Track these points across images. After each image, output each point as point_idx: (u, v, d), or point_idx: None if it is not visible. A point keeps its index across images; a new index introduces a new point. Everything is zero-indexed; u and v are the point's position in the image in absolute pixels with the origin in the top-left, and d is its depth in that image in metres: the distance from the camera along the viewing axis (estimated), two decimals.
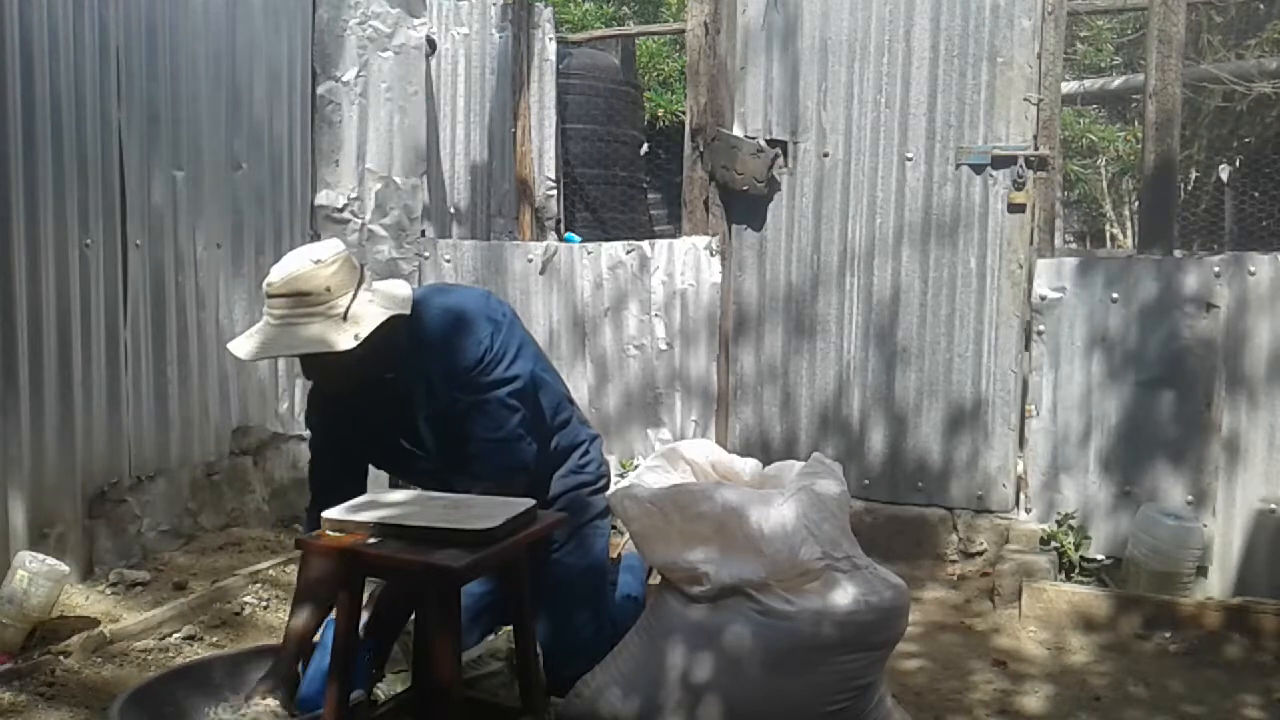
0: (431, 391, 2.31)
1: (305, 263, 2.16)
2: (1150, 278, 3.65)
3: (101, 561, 3.51)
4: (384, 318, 2.19)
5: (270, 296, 2.16)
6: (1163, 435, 3.64)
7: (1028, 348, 3.90)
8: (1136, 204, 8.94)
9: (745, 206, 4.33)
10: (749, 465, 2.56)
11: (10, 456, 3.19)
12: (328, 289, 2.16)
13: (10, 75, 3.17)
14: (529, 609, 2.16)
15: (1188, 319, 3.59)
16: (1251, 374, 3.52)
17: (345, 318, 2.15)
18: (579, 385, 4.49)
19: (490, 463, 2.31)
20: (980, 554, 3.90)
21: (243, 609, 3.35)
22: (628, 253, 4.49)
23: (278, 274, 2.16)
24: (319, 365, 2.23)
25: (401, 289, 2.33)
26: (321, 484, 2.43)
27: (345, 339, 2.14)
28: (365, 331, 2.15)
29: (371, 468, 2.53)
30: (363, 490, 2.30)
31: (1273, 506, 3.51)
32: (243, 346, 2.20)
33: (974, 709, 2.81)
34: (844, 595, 2.19)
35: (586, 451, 2.64)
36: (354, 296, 2.19)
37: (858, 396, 4.21)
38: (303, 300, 2.14)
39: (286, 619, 2.32)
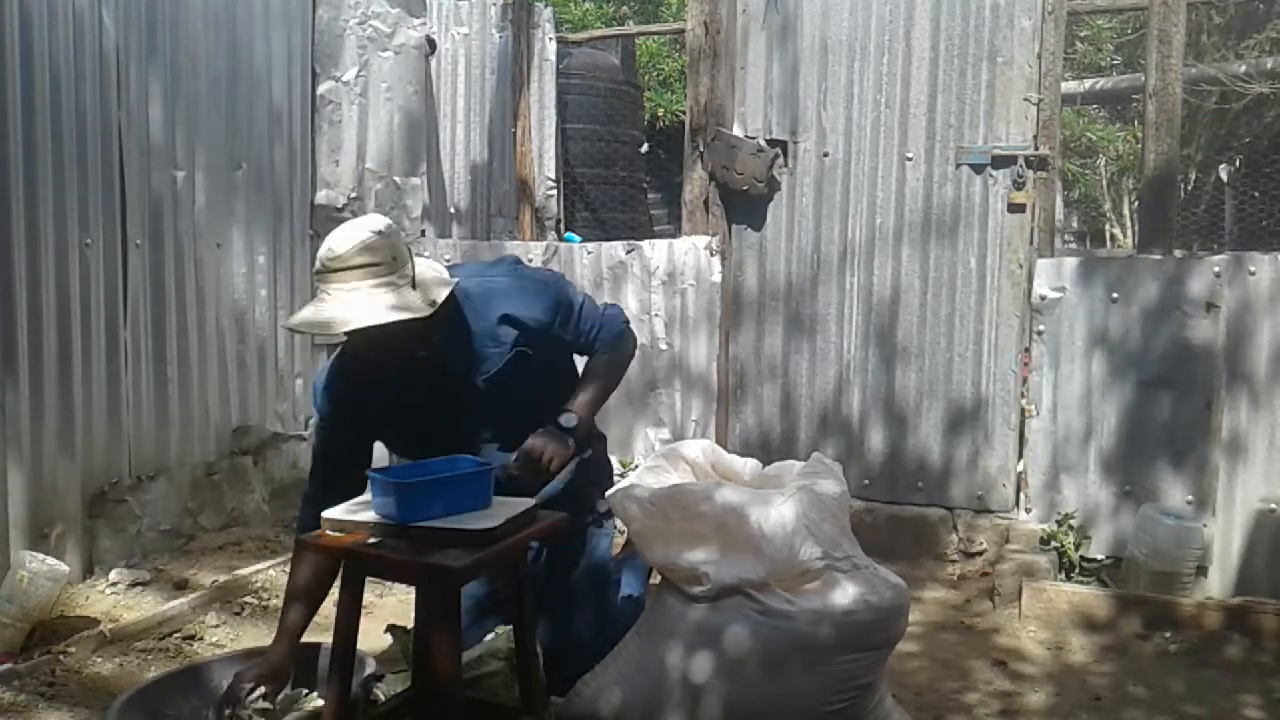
0: (484, 354, 2.33)
1: (367, 233, 2.11)
2: (1150, 278, 3.65)
3: (101, 561, 3.51)
4: (450, 285, 2.20)
5: (337, 270, 2.09)
6: (1163, 435, 3.64)
7: (1028, 347, 3.90)
8: (1136, 204, 8.94)
9: (745, 206, 4.33)
10: (749, 465, 2.56)
11: (10, 457, 3.19)
12: (394, 258, 2.13)
13: (10, 75, 3.18)
14: (529, 609, 2.16)
15: (1188, 319, 3.59)
16: (1252, 374, 3.52)
17: (414, 285, 2.14)
18: None
19: (607, 333, 2.50)
20: (980, 554, 3.90)
21: (243, 609, 3.35)
22: (628, 252, 4.49)
23: (344, 245, 2.09)
24: (379, 337, 2.12)
25: (435, 263, 2.36)
26: (324, 479, 2.37)
27: (421, 305, 2.12)
28: (440, 297, 2.15)
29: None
30: (363, 488, 2.29)
31: (1273, 506, 3.51)
32: (319, 321, 2.12)
33: (974, 709, 2.80)
34: (844, 595, 2.19)
35: (596, 450, 2.65)
36: (413, 265, 2.18)
37: (858, 396, 4.21)
38: (374, 270, 2.10)
39: (281, 612, 2.33)
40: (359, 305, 2.07)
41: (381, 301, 2.09)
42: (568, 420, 2.34)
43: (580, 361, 2.60)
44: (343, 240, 2.11)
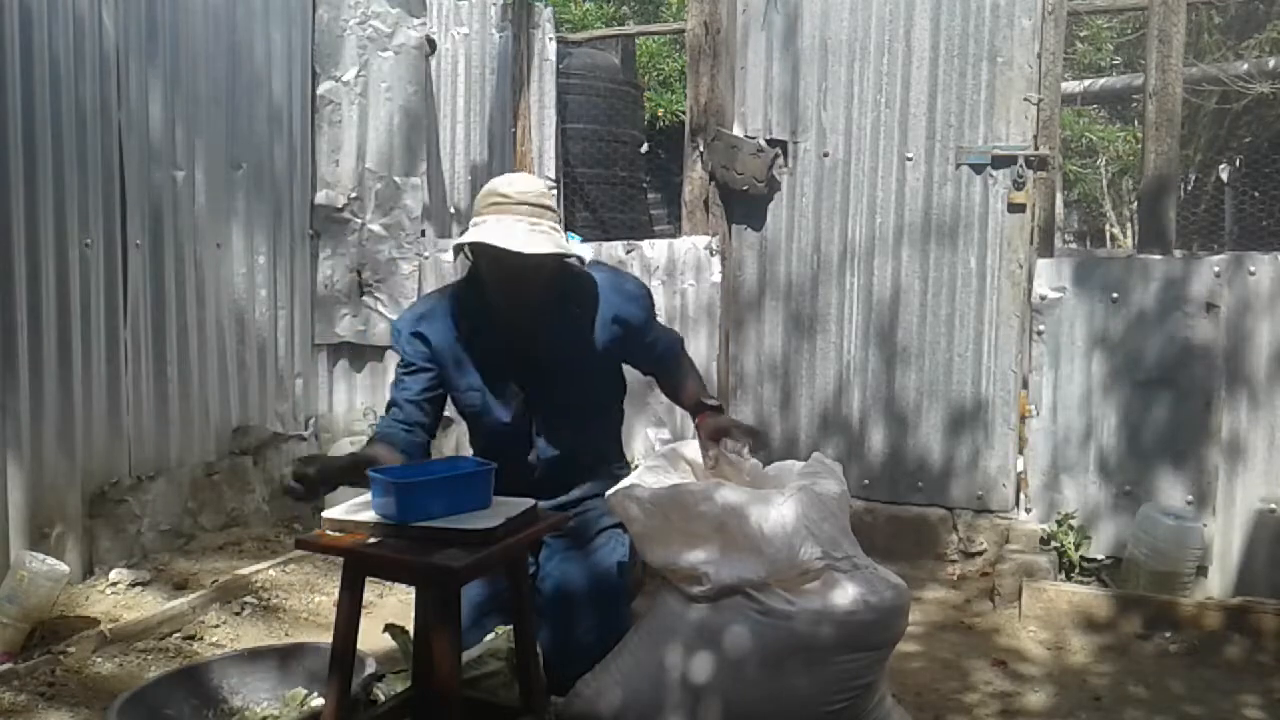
0: (589, 337, 2.49)
1: (544, 184, 2.38)
2: (1150, 278, 3.65)
3: (101, 561, 3.51)
4: (585, 252, 2.51)
5: (526, 204, 2.29)
6: (1163, 435, 3.64)
7: (1028, 348, 3.90)
8: (1136, 204, 8.95)
9: (745, 206, 4.33)
10: (749, 465, 2.56)
11: (10, 456, 3.19)
12: (556, 209, 2.41)
13: (10, 75, 3.18)
14: (529, 609, 2.16)
15: (1188, 319, 3.59)
16: (1252, 374, 3.52)
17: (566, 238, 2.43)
18: None
19: (671, 338, 2.71)
20: (980, 554, 3.90)
21: (243, 609, 3.35)
22: (627, 252, 4.48)
23: (532, 186, 2.34)
24: (534, 271, 2.31)
25: None
26: (398, 418, 2.43)
27: (573, 253, 2.39)
28: (583, 254, 2.42)
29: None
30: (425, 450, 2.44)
31: (1273, 506, 3.51)
32: (517, 241, 2.25)
33: (974, 709, 2.80)
34: (844, 595, 2.18)
35: (623, 459, 2.74)
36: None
37: (858, 396, 4.21)
38: (550, 213, 2.35)
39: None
40: (543, 238, 2.28)
41: (555, 240, 2.31)
42: (715, 401, 2.62)
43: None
44: (529, 183, 2.36)
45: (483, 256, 2.33)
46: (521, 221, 2.27)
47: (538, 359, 2.47)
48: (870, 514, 4.07)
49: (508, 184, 2.34)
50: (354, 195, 4.59)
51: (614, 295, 2.53)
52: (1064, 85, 5.09)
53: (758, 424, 4.35)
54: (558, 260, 2.35)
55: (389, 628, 2.45)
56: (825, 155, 4.20)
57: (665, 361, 2.67)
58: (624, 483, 2.36)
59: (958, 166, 4.01)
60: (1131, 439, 3.69)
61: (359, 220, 4.62)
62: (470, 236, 2.28)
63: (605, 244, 4.60)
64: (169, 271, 3.81)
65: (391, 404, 2.49)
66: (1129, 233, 11.10)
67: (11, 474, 3.20)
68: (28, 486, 3.24)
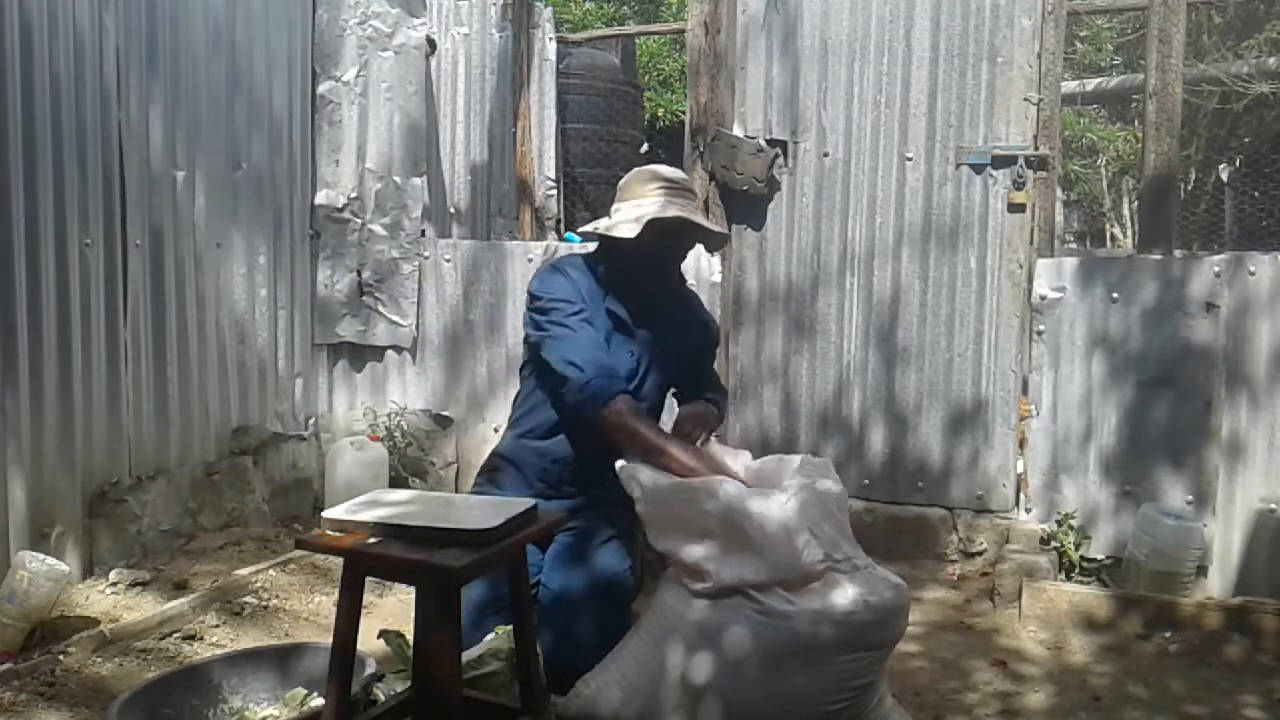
0: (672, 335, 2.74)
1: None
2: (1150, 278, 3.65)
3: (101, 561, 3.51)
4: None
5: (680, 186, 2.64)
6: (1163, 435, 3.65)
7: (1028, 348, 3.90)
8: (1136, 204, 8.94)
9: (745, 206, 4.32)
10: (740, 458, 2.56)
11: (10, 456, 3.19)
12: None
13: (10, 76, 3.18)
14: (529, 609, 2.16)
15: (1188, 319, 3.59)
16: (1252, 374, 3.53)
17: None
18: None
19: (726, 394, 2.99)
20: (980, 554, 3.90)
21: (243, 609, 3.34)
22: None
23: (678, 174, 2.69)
24: (685, 244, 2.71)
25: None
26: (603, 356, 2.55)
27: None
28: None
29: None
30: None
31: (1273, 506, 3.51)
32: (698, 216, 2.64)
33: (974, 709, 2.80)
34: (844, 595, 2.18)
35: None
36: None
37: (858, 396, 4.21)
38: (693, 194, 2.72)
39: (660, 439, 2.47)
40: (694, 213, 2.62)
41: (701, 216, 2.71)
42: (714, 396, 2.83)
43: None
44: (682, 174, 2.72)
45: (661, 228, 2.53)
46: (690, 203, 2.62)
47: (652, 332, 2.69)
48: (870, 514, 4.07)
49: (668, 171, 2.68)
50: (354, 195, 4.59)
51: (705, 309, 2.92)
52: (1064, 85, 5.09)
53: (758, 424, 4.36)
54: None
55: (383, 634, 2.45)
56: (825, 155, 4.20)
57: (714, 402, 2.79)
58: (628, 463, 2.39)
59: (958, 166, 4.01)
60: (1131, 439, 3.69)
61: (359, 220, 4.62)
62: (673, 211, 2.53)
63: None
64: (169, 271, 3.81)
65: (605, 368, 2.49)
66: (1129, 233, 11.10)
67: (11, 474, 3.20)
68: (28, 486, 3.24)
